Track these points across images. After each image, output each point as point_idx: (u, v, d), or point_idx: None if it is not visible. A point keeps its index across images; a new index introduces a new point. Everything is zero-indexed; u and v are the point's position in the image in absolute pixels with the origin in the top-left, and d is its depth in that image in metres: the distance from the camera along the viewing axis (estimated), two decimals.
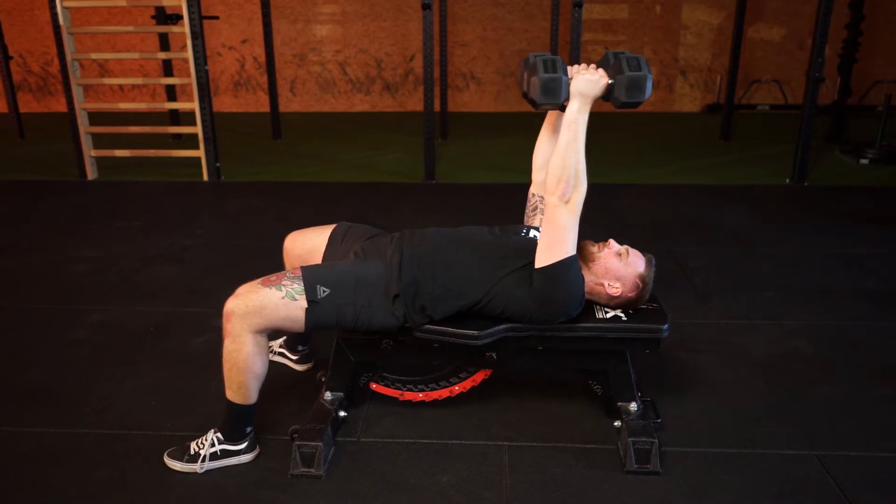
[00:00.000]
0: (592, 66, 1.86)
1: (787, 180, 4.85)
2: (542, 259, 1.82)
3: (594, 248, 1.97)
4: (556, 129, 2.02)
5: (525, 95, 1.86)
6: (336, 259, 2.08)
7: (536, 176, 2.15)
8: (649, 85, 1.77)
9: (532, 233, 2.00)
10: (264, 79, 7.24)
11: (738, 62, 6.23)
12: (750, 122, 7.04)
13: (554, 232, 1.80)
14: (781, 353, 2.50)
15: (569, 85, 1.79)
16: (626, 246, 1.99)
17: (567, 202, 1.77)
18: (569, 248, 1.81)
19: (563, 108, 1.85)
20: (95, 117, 5.28)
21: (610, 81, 1.81)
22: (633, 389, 2.01)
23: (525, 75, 1.84)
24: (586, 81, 1.80)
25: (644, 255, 1.98)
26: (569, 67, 1.86)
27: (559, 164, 1.77)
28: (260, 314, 1.78)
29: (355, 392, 2.13)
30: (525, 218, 2.21)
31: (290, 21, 7.78)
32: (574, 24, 4.54)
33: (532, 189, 2.19)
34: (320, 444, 1.86)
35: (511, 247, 1.95)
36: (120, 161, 5.28)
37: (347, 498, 1.79)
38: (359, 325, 1.89)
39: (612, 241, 1.99)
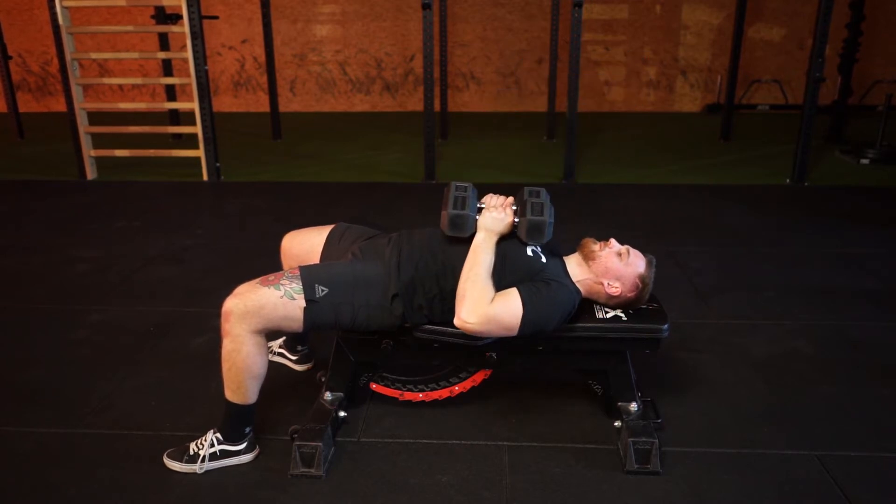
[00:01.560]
0: (507, 200, 1.97)
1: (787, 180, 4.85)
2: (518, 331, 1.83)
3: (595, 247, 1.97)
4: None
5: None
6: (334, 259, 2.08)
7: None
8: (549, 230, 1.91)
9: (529, 250, 1.97)
10: (264, 79, 7.24)
11: (738, 62, 6.23)
12: (750, 122, 7.04)
13: (496, 331, 1.82)
14: (781, 353, 2.50)
15: (475, 221, 1.92)
16: (626, 246, 1.99)
17: (468, 321, 1.78)
18: (515, 312, 1.79)
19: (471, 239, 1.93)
20: (95, 117, 5.28)
21: (515, 220, 1.93)
22: (633, 389, 2.01)
23: (442, 205, 1.95)
24: (492, 220, 1.91)
25: (645, 256, 1.98)
26: (486, 197, 1.99)
27: (461, 286, 1.83)
28: (258, 314, 1.78)
29: (355, 392, 2.13)
30: None
31: (290, 21, 7.78)
32: (574, 24, 4.54)
33: None
34: (320, 444, 1.86)
35: (509, 251, 1.94)
36: (120, 161, 5.27)
37: (347, 498, 1.79)
38: (357, 325, 1.89)
39: (613, 241, 1.99)
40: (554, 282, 1.87)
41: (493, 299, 1.80)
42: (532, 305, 1.80)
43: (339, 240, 2.14)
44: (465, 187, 1.97)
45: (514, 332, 1.82)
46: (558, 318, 1.87)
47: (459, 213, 1.90)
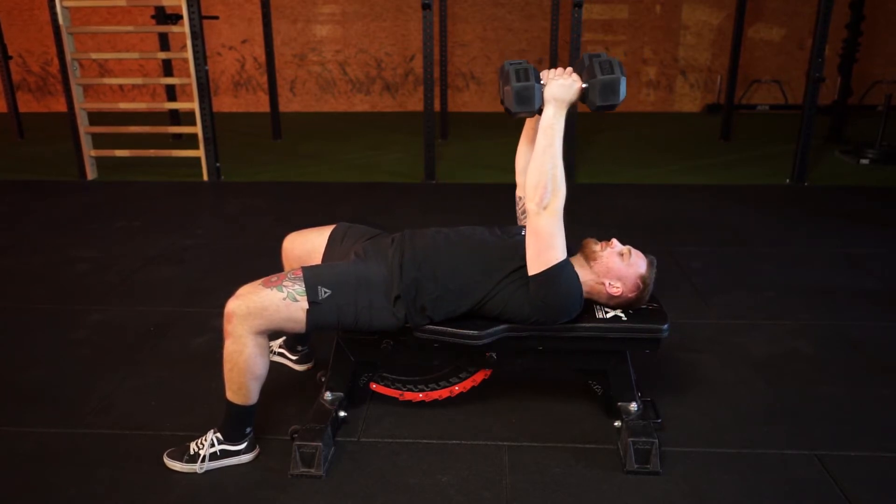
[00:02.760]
0: (567, 69, 1.86)
1: (787, 180, 4.85)
2: (534, 267, 1.83)
3: (597, 247, 1.97)
4: (535, 133, 2.03)
5: (502, 103, 1.86)
6: (336, 260, 2.08)
7: (519, 179, 2.16)
8: (623, 87, 1.78)
9: None
10: (264, 79, 7.24)
11: (738, 62, 6.23)
12: (750, 122, 7.04)
13: (539, 240, 1.80)
14: (781, 353, 2.50)
15: (542, 92, 1.80)
16: (628, 246, 1.99)
17: (546, 208, 1.77)
18: (558, 254, 1.80)
19: (539, 114, 1.84)
20: (95, 117, 5.28)
21: (584, 85, 1.81)
22: (633, 389, 2.01)
23: (501, 84, 1.85)
24: (560, 87, 1.81)
25: (646, 257, 1.98)
26: (544, 72, 1.86)
27: (536, 169, 1.78)
28: (261, 315, 1.78)
29: (355, 392, 2.13)
30: (518, 220, 2.21)
31: (290, 21, 7.78)
32: (574, 24, 4.54)
33: (518, 192, 2.20)
34: (320, 444, 1.86)
35: (511, 247, 1.94)
36: (120, 161, 5.28)
37: (347, 498, 1.79)
38: (360, 326, 1.89)
39: (614, 241, 1.99)
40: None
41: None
42: (567, 269, 1.81)
43: (340, 240, 2.14)
44: (521, 61, 1.82)
45: (549, 264, 1.78)
46: (573, 298, 1.86)
47: (525, 84, 1.75)
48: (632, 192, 4.64)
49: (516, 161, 2.16)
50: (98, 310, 2.87)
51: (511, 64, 1.82)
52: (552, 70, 1.87)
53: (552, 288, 1.82)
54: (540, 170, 1.77)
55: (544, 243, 1.79)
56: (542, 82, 1.81)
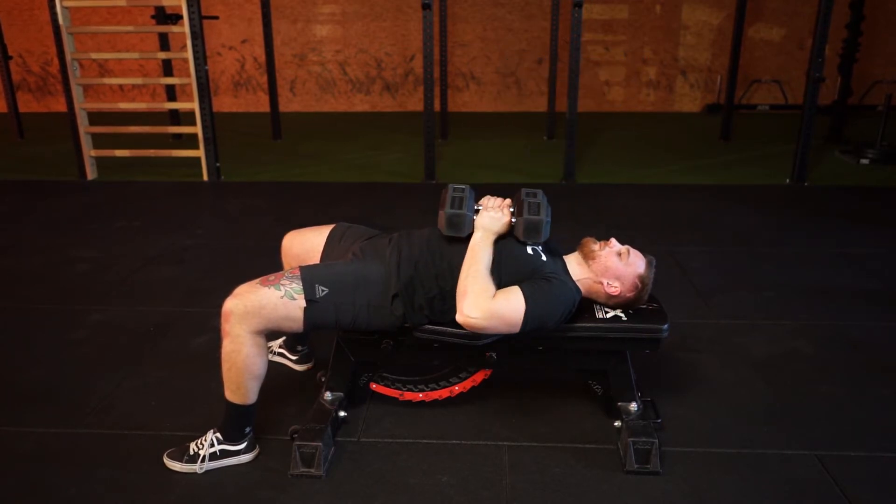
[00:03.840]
0: (506, 201, 1.98)
1: (787, 180, 4.85)
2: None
3: (595, 247, 1.97)
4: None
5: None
6: (334, 259, 2.08)
7: None
8: (546, 230, 1.92)
9: (529, 249, 1.97)
10: (264, 79, 7.24)
11: (738, 62, 6.23)
12: (750, 122, 7.04)
13: (496, 327, 1.81)
14: (781, 353, 2.50)
15: (472, 221, 1.93)
16: (627, 246, 1.99)
17: (473, 314, 1.78)
18: (517, 312, 1.79)
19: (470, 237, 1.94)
20: (95, 117, 5.28)
21: (513, 220, 1.94)
22: (633, 389, 2.01)
23: (439, 205, 1.96)
24: (490, 218, 1.93)
25: (645, 257, 1.98)
26: (484, 199, 2.00)
27: (461, 283, 1.84)
28: (259, 314, 1.78)
29: (355, 392, 2.13)
30: None
31: (290, 21, 7.78)
32: (574, 24, 4.54)
33: None
34: (320, 444, 1.86)
35: (509, 249, 1.94)
36: (120, 161, 5.27)
37: (347, 498, 1.79)
38: (357, 325, 1.89)
39: (613, 241, 1.99)
40: (555, 278, 1.87)
41: (495, 295, 1.80)
42: (534, 301, 1.81)
43: (339, 240, 2.14)
44: (463, 188, 1.99)
45: (517, 329, 1.82)
46: (560, 314, 1.87)
47: (456, 212, 1.91)
48: (632, 192, 4.64)
49: None
50: (98, 310, 2.87)
51: (453, 189, 1.97)
52: (491, 198, 1.99)
53: (543, 313, 1.83)
54: (463, 282, 1.83)
55: (504, 324, 1.81)
56: (478, 206, 1.97)
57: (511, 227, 1.95)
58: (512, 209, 1.97)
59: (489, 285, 1.82)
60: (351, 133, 6.86)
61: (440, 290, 1.89)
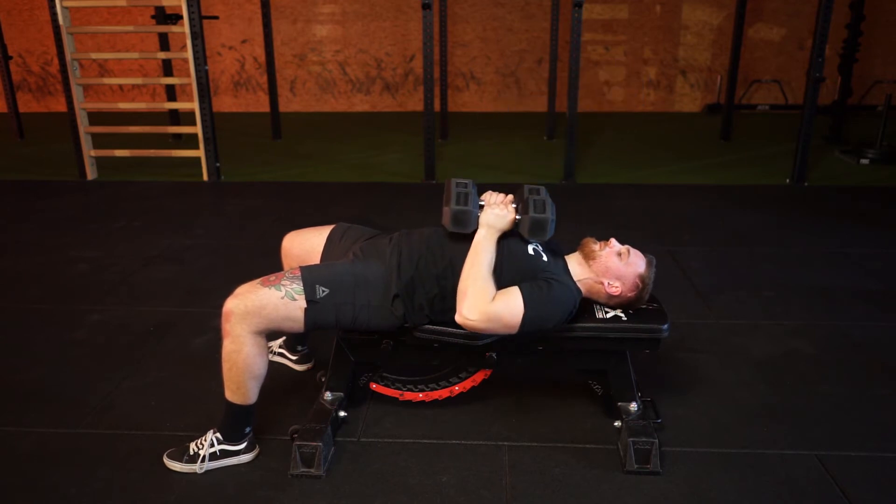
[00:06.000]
0: (508, 198, 1.95)
1: (787, 180, 4.85)
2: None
3: (595, 247, 1.97)
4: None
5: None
6: (335, 259, 2.08)
7: None
8: (551, 227, 1.89)
9: (530, 249, 1.97)
10: (264, 79, 7.24)
11: (738, 62, 6.23)
12: (750, 122, 7.04)
13: (495, 328, 1.81)
14: (781, 353, 2.50)
15: (478, 217, 1.91)
16: (627, 246, 1.99)
17: (473, 315, 1.78)
18: (516, 314, 1.80)
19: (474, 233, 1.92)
20: (95, 117, 5.28)
21: (517, 217, 1.92)
22: (633, 389, 2.01)
23: (443, 200, 1.95)
24: (495, 216, 1.91)
25: (645, 256, 1.98)
26: (486, 194, 1.98)
27: (462, 281, 1.83)
28: (259, 314, 1.78)
29: (355, 392, 2.13)
30: None
31: (290, 21, 7.77)
32: (574, 24, 4.54)
33: None
34: (320, 444, 1.86)
35: (511, 248, 1.94)
36: (120, 161, 5.28)
37: (347, 498, 1.79)
38: (358, 325, 1.89)
39: (613, 241, 1.99)
40: (555, 280, 1.87)
41: (494, 297, 1.80)
42: (533, 304, 1.81)
43: (339, 240, 2.14)
44: (466, 183, 1.97)
45: (515, 331, 1.82)
46: (559, 316, 1.87)
47: (463, 209, 1.89)
48: (632, 192, 4.64)
49: None
50: (98, 310, 2.87)
51: (457, 185, 1.95)
52: (494, 194, 1.98)
53: (542, 319, 1.84)
54: (464, 282, 1.83)
55: (502, 326, 1.81)
56: (481, 202, 1.94)
57: (516, 225, 1.93)
58: (515, 206, 1.95)
59: (489, 286, 1.82)
60: (351, 133, 6.86)
61: (441, 289, 1.89)
